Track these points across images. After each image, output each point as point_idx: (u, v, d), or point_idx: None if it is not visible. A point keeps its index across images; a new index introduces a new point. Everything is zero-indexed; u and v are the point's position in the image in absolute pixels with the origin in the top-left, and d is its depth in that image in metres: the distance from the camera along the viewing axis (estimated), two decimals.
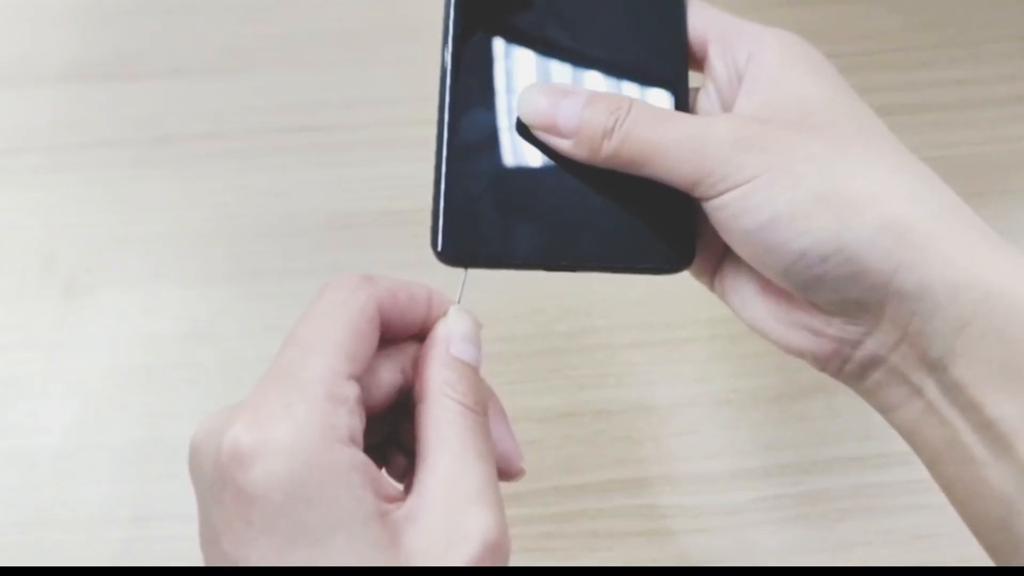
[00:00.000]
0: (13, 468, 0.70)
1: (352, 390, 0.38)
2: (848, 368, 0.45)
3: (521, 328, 0.76)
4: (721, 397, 0.74)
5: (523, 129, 0.46)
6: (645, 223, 0.46)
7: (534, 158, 0.46)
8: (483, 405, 0.42)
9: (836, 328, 0.44)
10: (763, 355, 0.74)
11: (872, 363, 0.44)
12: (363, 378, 0.40)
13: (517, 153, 0.46)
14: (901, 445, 0.71)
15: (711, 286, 0.49)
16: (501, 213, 0.45)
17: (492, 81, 0.46)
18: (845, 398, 0.71)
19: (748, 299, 0.47)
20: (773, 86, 0.44)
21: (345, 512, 0.36)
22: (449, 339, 0.43)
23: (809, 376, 0.71)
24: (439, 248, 0.44)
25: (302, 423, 0.36)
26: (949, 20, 0.90)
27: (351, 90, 0.87)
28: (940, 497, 0.69)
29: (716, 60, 0.47)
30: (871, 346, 0.43)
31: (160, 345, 0.75)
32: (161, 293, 0.77)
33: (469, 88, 0.46)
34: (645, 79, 0.47)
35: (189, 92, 0.86)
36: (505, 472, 0.44)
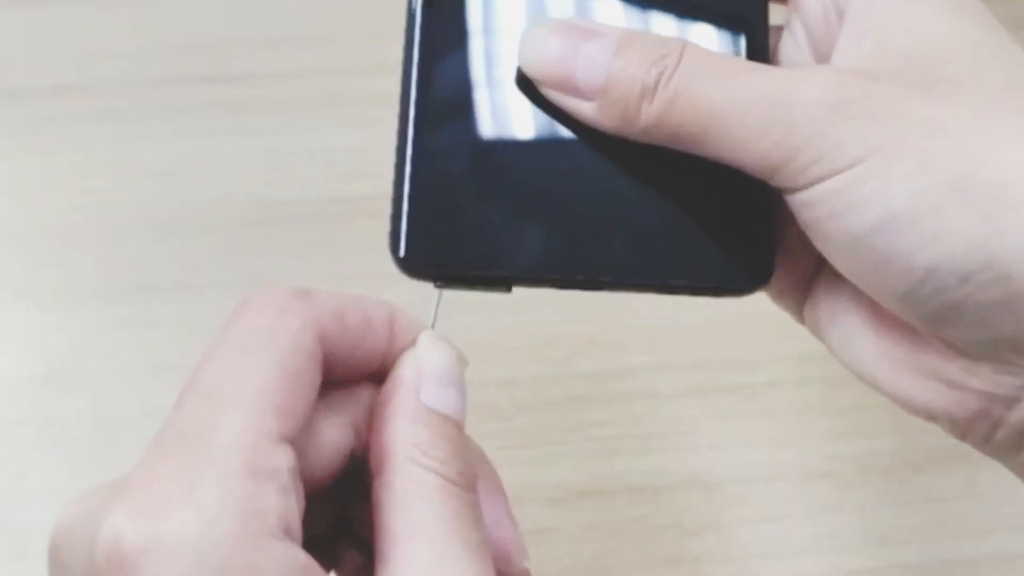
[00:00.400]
0: None
1: (284, 459, 0.38)
2: (1000, 436, 0.44)
3: (526, 367, 0.78)
4: (815, 468, 0.76)
5: (526, 86, 0.46)
6: (701, 224, 0.46)
7: (540, 129, 0.46)
8: (470, 477, 0.42)
9: (982, 379, 0.43)
10: (875, 408, 0.70)
11: None
12: (299, 440, 0.39)
13: (515, 121, 0.46)
14: None
15: (799, 315, 0.49)
16: (494, 204, 0.45)
17: (480, 18, 0.47)
18: (992, 471, 0.72)
19: (852, 335, 0.46)
20: (888, 25, 0.44)
21: None
22: (419, 381, 0.43)
23: (942, 440, 0.71)
24: (401, 253, 0.44)
25: (213, 509, 0.36)
26: None
27: (280, 24, 0.89)
28: None
29: None
30: None
31: (3, 392, 0.76)
32: (5, 318, 0.79)
33: (448, 29, 0.46)
34: (703, 13, 0.47)
35: (43, 24, 0.88)
36: (500, 574, 0.43)
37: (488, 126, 0.46)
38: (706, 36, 0.47)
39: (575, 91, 0.44)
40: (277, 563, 0.36)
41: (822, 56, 0.47)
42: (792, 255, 0.47)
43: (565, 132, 0.46)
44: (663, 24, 0.47)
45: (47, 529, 0.39)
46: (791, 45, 0.48)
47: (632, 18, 0.47)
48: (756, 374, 0.78)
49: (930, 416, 0.45)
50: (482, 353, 0.69)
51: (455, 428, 0.42)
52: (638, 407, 0.77)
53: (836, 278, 0.45)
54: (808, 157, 0.41)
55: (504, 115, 0.46)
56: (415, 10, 0.46)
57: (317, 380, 0.40)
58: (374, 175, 0.73)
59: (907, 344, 0.44)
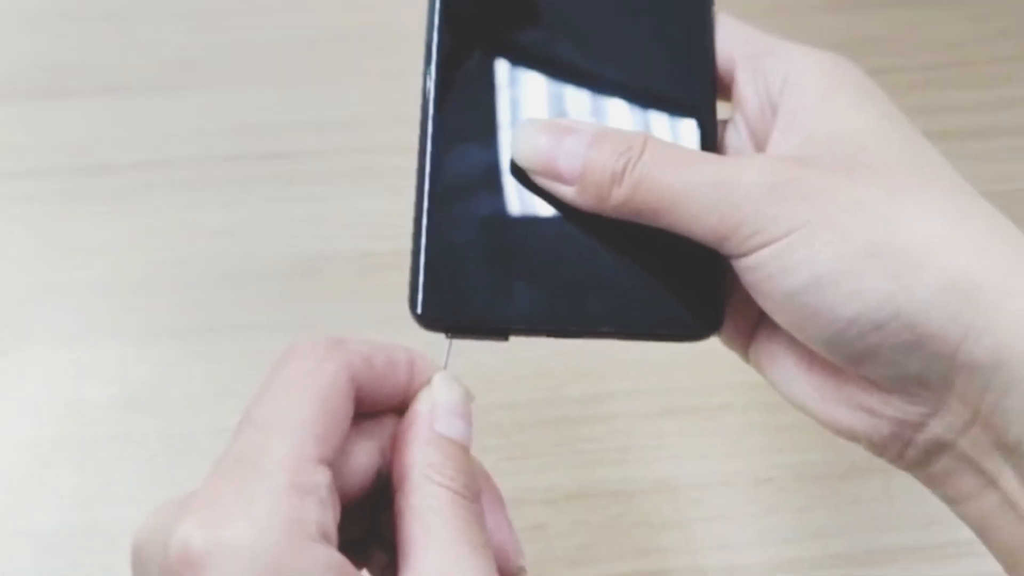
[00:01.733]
0: None
1: (323, 477, 0.39)
2: (910, 454, 0.46)
3: (524, 393, 0.81)
4: (759, 475, 0.79)
5: (520, 171, 0.48)
6: (664, 283, 0.48)
7: (533, 205, 0.48)
8: (475, 490, 0.43)
9: (894, 408, 0.45)
10: (809, 427, 0.71)
11: (938, 448, 0.45)
12: (335, 462, 0.41)
13: (512, 199, 0.48)
14: (940, 536, 0.76)
15: (745, 356, 0.51)
16: (493, 269, 0.47)
17: (484, 111, 0.49)
18: (905, 477, 0.74)
19: (789, 373, 0.48)
20: (813, 119, 0.46)
21: None
22: (433, 413, 0.44)
23: (864, 454, 0.73)
24: (419, 310, 0.46)
25: (265, 519, 0.37)
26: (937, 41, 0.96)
27: (320, 111, 0.92)
28: None
29: (745, 87, 0.49)
30: (936, 428, 0.44)
31: (93, 413, 0.79)
32: (95, 352, 0.82)
33: (456, 119, 0.48)
34: (663, 111, 0.50)
35: (129, 112, 0.92)
36: (501, 570, 0.43)
37: (489, 205, 0.47)
38: (667, 130, 0.49)
39: (558, 177, 0.46)
40: (317, 563, 0.38)
41: (759, 144, 0.49)
42: (738, 309, 0.49)
43: (551, 209, 0.47)
44: (631, 120, 0.49)
45: (130, 526, 0.42)
46: (733, 135, 0.50)
47: (604, 112, 0.49)
48: (712, 399, 0.81)
49: (853, 437, 0.47)
50: (488, 382, 0.78)
51: (462, 451, 0.44)
52: (616, 425, 0.80)
53: (774, 327, 0.47)
54: (749, 229, 0.43)
55: (502, 196, 0.48)
56: (430, 92, 0.48)
57: (350, 413, 0.42)
58: (397, 236, 0.78)
59: (833, 380, 0.46)
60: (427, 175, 0.47)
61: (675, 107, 0.50)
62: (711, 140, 0.50)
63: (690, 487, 0.78)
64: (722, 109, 0.51)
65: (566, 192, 0.46)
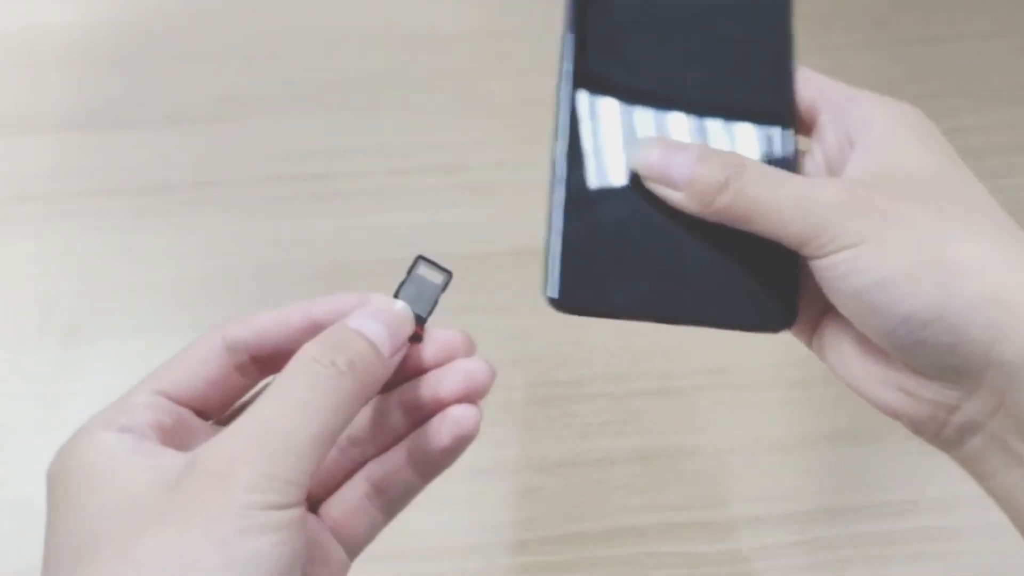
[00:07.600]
0: (12, 517, 0.76)
1: (144, 399, 0.49)
2: (946, 433, 0.47)
3: (520, 377, 0.82)
4: (722, 446, 0.80)
5: (635, 182, 0.49)
6: (751, 281, 0.49)
7: (645, 211, 0.49)
8: (344, 362, 0.44)
9: (933, 392, 0.46)
10: (764, 405, 0.81)
11: (970, 428, 0.47)
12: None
13: (629, 205, 0.49)
14: (901, 495, 0.74)
15: (809, 343, 0.52)
16: (613, 264, 0.48)
17: (609, 130, 0.50)
18: (845, 448, 0.79)
19: (846, 358, 0.49)
20: (882, 154, 0.48)
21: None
22: (354, 313, 0.47)
23: (809, 427, 0.79)
24: (556, 295, 0.47)
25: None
26: (949, 69, 0.98)
27: (351, 139, 0.93)
28: (940, 546, 0.71)
29: (827, 126, 0.51)
30: (968, 411, 0.46)
31: None
32: (160, 341, 0.76)
33: (585, 134, 0.50)
34: (755, 140, 0.52)
35: (187, 140, 0.94)
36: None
37: (610, 210, 0.49)
38: (758, 155, 0.51)
39: (671, 184, 0.48)
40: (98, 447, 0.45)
41: (834, 173, 0.51)
42: (808, 302, 0.50)
43: (660, 216, 0.48)
44: (730, 145, 0.51)
45: None
46: (811, 164, 0.52)
47: (708, 140, 0.51)
48: (682, 380, 0.82)
49: (896, 416, 0.48)
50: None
51: (355, 335, 0.45)
52: (598, 404, 0.81)
53: (837, 318, 0.49)
54: (825, 238, 0.45)
55: (620, 202, 0.49)
56: (563, 134, 0.49)
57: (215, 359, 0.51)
58: (413, 244, 0.79)
59: (882, 365, 0.48)
60: (563, 178, 0.48)
61: (765, 140, 0.51)
62: (793, 166, 0.51)
63: (662, 456, 0.79)
64: (801, 143, 0.53)
65: (676, 197, 0.48)
